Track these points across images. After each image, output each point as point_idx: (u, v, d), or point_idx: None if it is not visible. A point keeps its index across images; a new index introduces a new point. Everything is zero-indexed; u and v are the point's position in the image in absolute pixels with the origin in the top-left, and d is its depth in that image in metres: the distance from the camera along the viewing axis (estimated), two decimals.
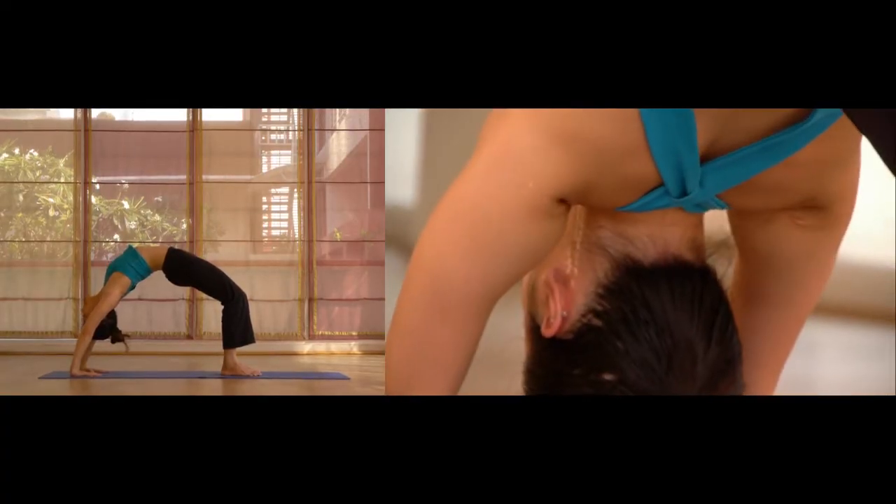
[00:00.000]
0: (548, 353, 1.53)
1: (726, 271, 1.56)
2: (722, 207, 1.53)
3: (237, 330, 6.17)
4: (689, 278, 1.50)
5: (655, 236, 1.52)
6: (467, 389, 1.48)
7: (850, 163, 1.53)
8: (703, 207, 1.51)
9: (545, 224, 1.43)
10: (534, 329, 1.56)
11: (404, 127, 6.22)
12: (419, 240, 1.47)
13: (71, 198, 8.76)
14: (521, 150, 1.41)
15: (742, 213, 1.59)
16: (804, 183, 1.50)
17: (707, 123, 1.37)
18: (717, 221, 1.60)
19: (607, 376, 1.44)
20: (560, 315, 1.50)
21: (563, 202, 1.44)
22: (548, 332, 1.51)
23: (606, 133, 1.38)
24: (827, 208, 1.55)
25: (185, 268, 6.32)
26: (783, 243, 1.59)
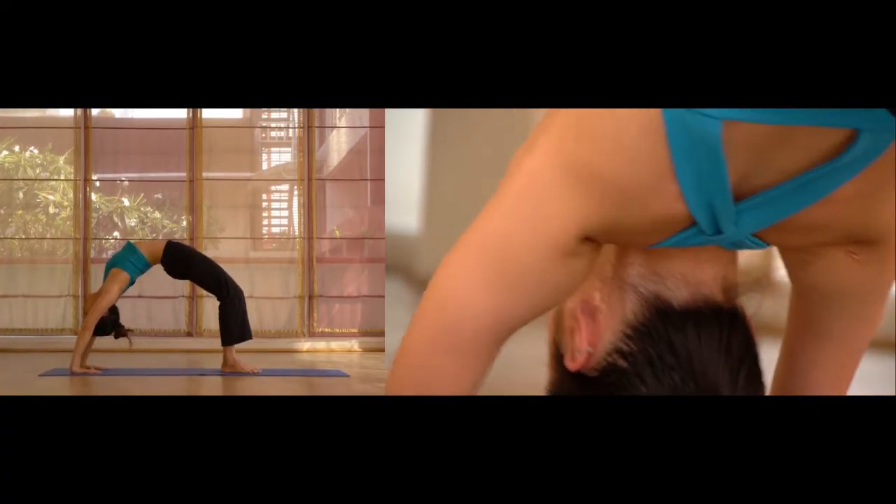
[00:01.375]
0: (570, 386, 1.49)
1: (757, 311, 1.52)
2: (761, 247, 1.49)
3: (234, 326, 6.18)
4: (717, 323, 1.46)
5: (688, 276, 1.47)
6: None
7: (893, 194, 1.47)
8: (739, 246, 1.48)
9: (570, 262, 1.39)
10: (557, 357, 1.53)
11: (404, 124, 6.22)
12: (436, 272, 1.44)
13: (71, 195, 8.77)
14: (544, 188, 1.37)
15: (797, 250, 1.55)
16: (845, 220, 1.44)
17: (736, 164, 1.33)
18: (745, 257, 1.56)
19: None
20: (585, 351, 1.47)
21: (591, 240, 1.41)
22: (572, 365, 1.48)
23: (633, 175, 1.34)
24: (879, 241, 1.49)
25: (183, 261, 6.33)
26: (843, 279, 1.54)
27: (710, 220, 1.37)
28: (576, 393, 1.48)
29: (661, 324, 1.45)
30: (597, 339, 1.47)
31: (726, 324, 1.46)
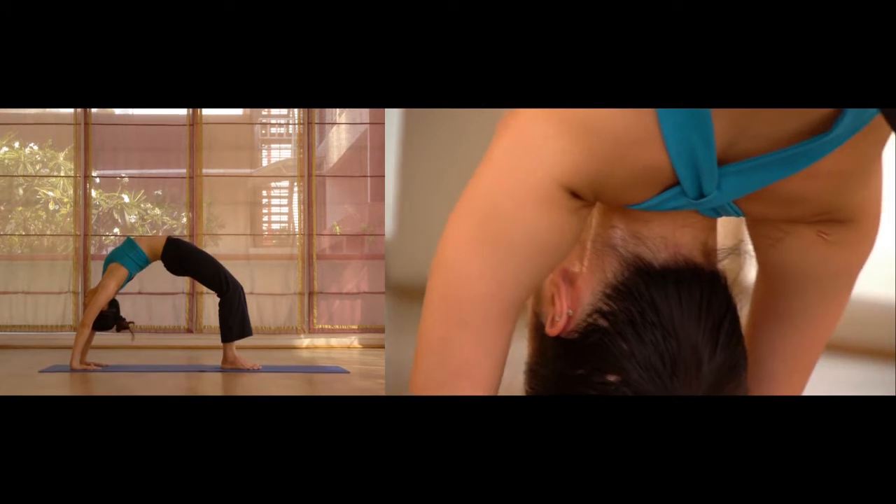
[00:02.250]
0: (551, 352, 1.51)
1: (737, 278, 1.54)
2: (738, 215, 1.51)
3: (235, 323, 6.17)
4: (698, 282, 1.48)
5: (668, 238, 1.50)
6: None
7: (871, 175, 1.49)
8: (718, 213, 1.49)
9: (556, 216, 1.40)
10: (538, 327, 1.55)
11: (393, 121, 6.20)
12: (438, 243, 1.45)
13: (71, 191, 8.77)
14: (532, 138, 1.38)
15: (767, 227, 1.56)
16: (823, 195, 1.46)
17: (723, 126, 1.35)
18: (727, 227, 1.58)
19: (611, 378, 1.43)
20: (565, 314, 1.49)
21: (577, 197, 1.42)
22: (552, 331, 1.50)
23: (619, 124, 1.35)
24: (850, 223, 1.51)
25: (183, 257, 6.31)
26: (810, 259, 1.55)
27: (693, 179, 1.39)
28: (557, 358, 1.49)
29: (642, 283, 1.47)
30: (576, 302, 1.50)
31: (707, 285, 1.48)
